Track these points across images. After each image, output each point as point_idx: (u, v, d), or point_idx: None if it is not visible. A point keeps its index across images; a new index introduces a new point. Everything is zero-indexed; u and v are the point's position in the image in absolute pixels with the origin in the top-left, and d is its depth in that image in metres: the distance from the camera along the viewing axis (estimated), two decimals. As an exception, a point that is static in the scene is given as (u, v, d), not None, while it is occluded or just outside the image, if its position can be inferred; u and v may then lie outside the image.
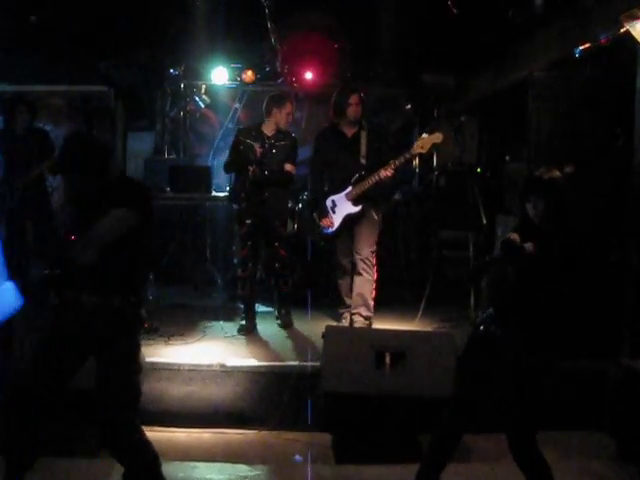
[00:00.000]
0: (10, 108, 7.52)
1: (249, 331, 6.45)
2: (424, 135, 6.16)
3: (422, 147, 6.10)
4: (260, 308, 7.04)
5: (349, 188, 6.32)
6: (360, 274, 6.35)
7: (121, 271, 3.54)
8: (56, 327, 3.61)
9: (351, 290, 6.49)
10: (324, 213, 6.43)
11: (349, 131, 6.42)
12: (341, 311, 6.68)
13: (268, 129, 6.47)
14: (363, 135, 6.38)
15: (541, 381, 3.60)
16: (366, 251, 6.34)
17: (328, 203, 6.43)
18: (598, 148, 6.18)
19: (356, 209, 6.32)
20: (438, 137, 6.11)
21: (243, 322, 6.53)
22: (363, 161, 6.33)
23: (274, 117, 6.43)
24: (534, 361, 3.57)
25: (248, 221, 6.40)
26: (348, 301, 6.56)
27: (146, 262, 3.98)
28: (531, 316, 3.60)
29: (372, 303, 6.42)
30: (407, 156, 6.17)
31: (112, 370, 3.54)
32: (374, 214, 6.40)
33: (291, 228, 8.05)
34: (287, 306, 6.76)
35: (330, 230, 6.43)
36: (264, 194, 6.33)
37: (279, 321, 6.73)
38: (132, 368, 3.64)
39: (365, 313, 6.35)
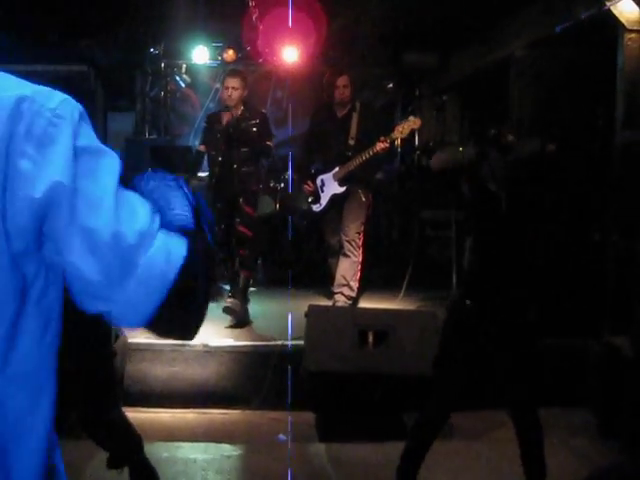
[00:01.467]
0: None
1: (231, 312, 6.35)
2: (406, 120, 6.22)
3: (401, 132, 6.19)
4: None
5: (336, 169, 6.37)
6: (345, 255, 6.39)
7: None
8: None
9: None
10: (307, 185, 6.52)
11: (340, 112, 6.49)
12: (332, 290, 6.66)
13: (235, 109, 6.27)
14: (354, 116, 6.42)
15: (529, 345, 3.62)
16: (352, 233, 6.36)
17: (318, 182, 6.51)
18: (580, 127, 6.20)
19: (341, 189, 6.39)
20: (416, 123, 6.20)
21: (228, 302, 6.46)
22: (352, 142, 6.38)
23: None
24: (516, 325, 3.60)
25: (218, 205, 6.26)
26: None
27: None
28: (502, 281, 3.63)
29: (356, 284, 6.44)
30: (386, 144, 6.13)
31: (84, 355, 3.53)
32: (362, 196, 6.41)
33: (273, 208, 8.06)
34: (244, 295, 6.25)
35: (317, 208, 6.48)
36: (232, 176, 6.17)
37: (225, 305, 6.07)
38: (104, 352, 3.63)
39: (347, 293, 6.38)
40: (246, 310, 6.21)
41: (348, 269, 6.38)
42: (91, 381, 3.52)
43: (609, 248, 5.44)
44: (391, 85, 9.58)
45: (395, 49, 8.89)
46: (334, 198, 6.44)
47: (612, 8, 5.05)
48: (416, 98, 9.32)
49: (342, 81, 6.35)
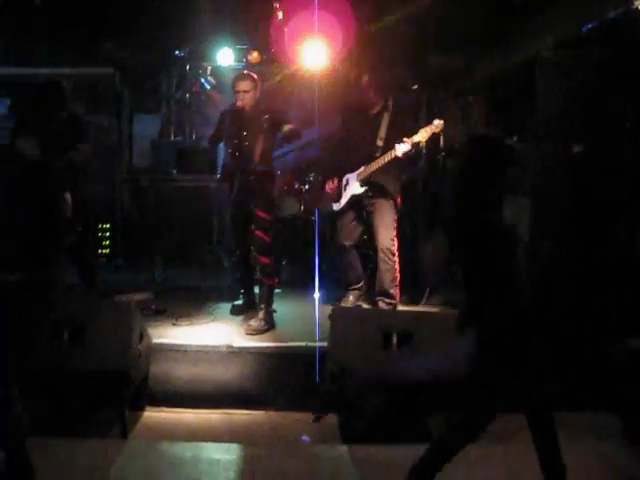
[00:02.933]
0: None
1: (239, 312, 6.47)
2: (434, 122, 6.09)
3: (423, 135, 6.05)
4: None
5: (361, 168, 6.32)
6: (381, 263, 6.34)
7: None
8: None
9: (353, 271, 6.61)
10: (331, 182, 6.51)
11: (370, 110, 6.39)
12: (346, 293, 6.68)
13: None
14: (386, 116, 6.32)
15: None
16: (386, 240, 6.30)
17: (344, 180, 6.49)
18: (607, 127, 6.13)
19: (361, 190, 6.33)
20: (438, 127, 6.07)
21: (237, 302, 6.62)
22: (380, 143, 6.28)
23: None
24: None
25: (231, 209, 6.31)
26: (348, 281, 6.64)
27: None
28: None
29: (395, 291, 6.37)
30: (408, 146, 6.02)
31: None
32: (390, 202, 6.33)
33: (297, 209, 8.06)
34: (269, 308, 6.13)
35: (337, 207, 6.48)
36: (248, 178, 6.07)
37: (247, 325, 5.97)
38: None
39: (388, 300, 6.34)
40: (271, 317, 6.14)
41: (386, 277, 6.33)
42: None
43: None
44: (416, 86, 9.52)
45: (420, 51, 8.85)
46: (353, 199, 6.39)
47: (640, 7, 5.00)
48: (441, 99, 9.26)
49: (366, 80, 6.30)
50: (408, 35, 8.31)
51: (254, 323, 5.94)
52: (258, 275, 6.22)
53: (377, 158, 6.21)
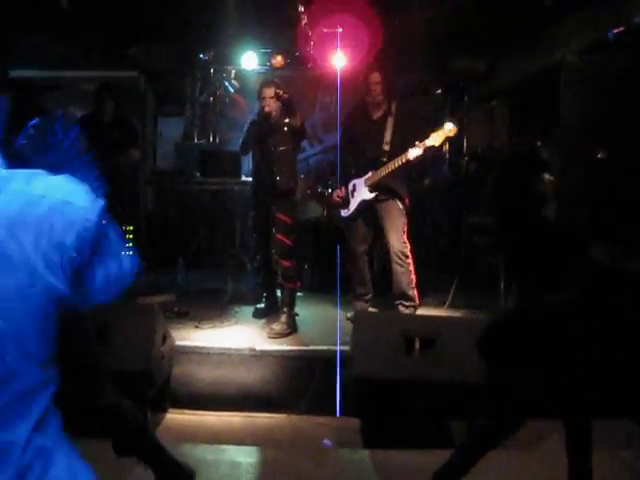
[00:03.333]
0: (97, 96, 7.63)
1: (262, 315, 6.57)
2: (444, 126, 6.05)
3: (435, 140, 5.98)
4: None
5: (369, 173, 6.28)
6: (396, 267, 6.29)
7: None
8: None
9: (364, 279, 6.55)
10: (339, 191, 6.48)
11: (374, 113, 6.35)
12: (353, 300, 6.65)
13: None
14: (389, 120, 6.28)
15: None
16: (398, 244, 6.24)
17: (350, 186, 6.43)
18: (632, 134, 6.09)
19: (371, 196, 6.27)
20: (452, 130, 6.01)
21: (259, 305, 6.71)
22: (386, 147, 6.24)
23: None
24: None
25: (252, 213, 6.56)
26: (358, 290, 6.56)
27: None
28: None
29: (413, 292, 6.33)
30: (419, 151, 5.96)
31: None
32: (399, 204, 6.28)
33: (320, 213, 8.07)
34: (291, 312, 6.17)
35: (345, 213, 6.44)
36: (267, 176, 6.19)
37: (270, 328, 6.01)
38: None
39: (408, 303, 6.31)
40: (294, 321, 6.17)
41: (402, 280, 6.29)
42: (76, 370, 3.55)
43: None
44: (439, 91, 9.53)
45: (443, 55, 8.85)
46: (363, 204, 6.32)
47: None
48: (464, 104, 9.25)
49: (375, 77, 6.23)
50: (431, 38, 8.30)
51: (277, 326, 5.96)
52: (280, 279, 6.23)
53: (386, 162, 6.15)
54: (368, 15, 7.45)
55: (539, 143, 8.34)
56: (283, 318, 6.03)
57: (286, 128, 6.11)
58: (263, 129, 6.20)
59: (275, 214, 6.11)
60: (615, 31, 5.63)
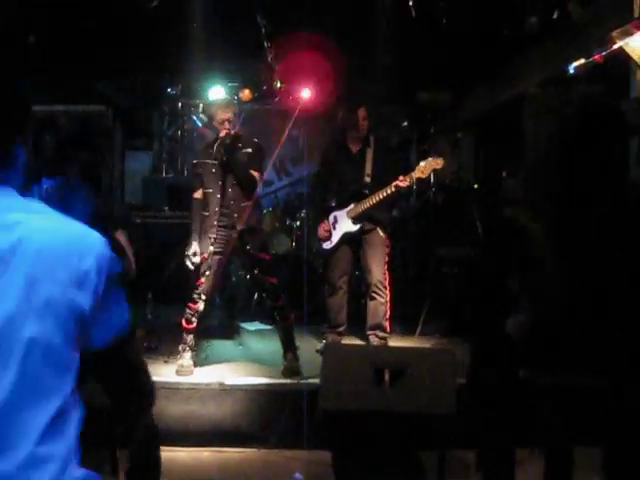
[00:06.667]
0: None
1: (189, 372, 5.76)
2: (428, 160, 6.12)
3: (422, 172, 6.05)
4: (260, 326, 7.03)
5: (351, 205, 6.32)
6: (373, 297, 6.32)
7: None
8: None
9: (342, 310, 6.49)
10: (324, 224, 6.44)
11: (354, 147, 6.42)
12: (324, 330, 6.62)
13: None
14: (369, 152, 6.35)
15: None
16: (378, 274, 6.27)
17: (330, 219, 6.43)
18: (593, 165, 6.19)
19: (355, 228, 6.30)
20: (439, 163, 6.08)
21: (182, 362, 5.77)
22: (367, 179, 6.30)
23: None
24: None
25: (212, 248, 5.75)
26: (335, 321, 6.51)
27: None
28: None
29: (387, 324, 6.36)
30: (408, 182, 6.01)
31: None
32: (381, 235, 6.34)
33: (288, 246, 8.08)
34: (293, 347, 5.99)
35: (327, 245, 6.43)
36: (232, 215, 5.79)
37: (283, 367, 5.86)
38: None
39: (381, 334, 6.33)
40: (298, 359, 5.98)
41: (378, 311, 6.32)
42: None
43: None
44: (406, 123, 9.64)
45: (409, 87, 8.96)
46: (346, 236, 6.34)
47: (624, 46, 5.08)
48: (431, 136, 9.36)
49: (362, 113, 6.30)
50: (397, 70, 8.42)
51: (292, 365, 5.86)
52: (277, 319, 6.03)
53: (371, 194, 6.19)
54: (333, 50, 7.55)
55: (504, 174, 8.48)
56: (290, 355, 5.92)
57: (246, 158, 5.87)
58: (223, 160, 5.85)
59: (254, 254, 5.86)
60: (575, 64, 5.75)
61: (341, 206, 6.39)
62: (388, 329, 6.39)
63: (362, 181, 6.31)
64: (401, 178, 6.00)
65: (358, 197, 6.28)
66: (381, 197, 6.12)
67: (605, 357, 3.25)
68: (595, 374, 4.06)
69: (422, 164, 6.09)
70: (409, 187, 6.15)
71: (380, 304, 6.31)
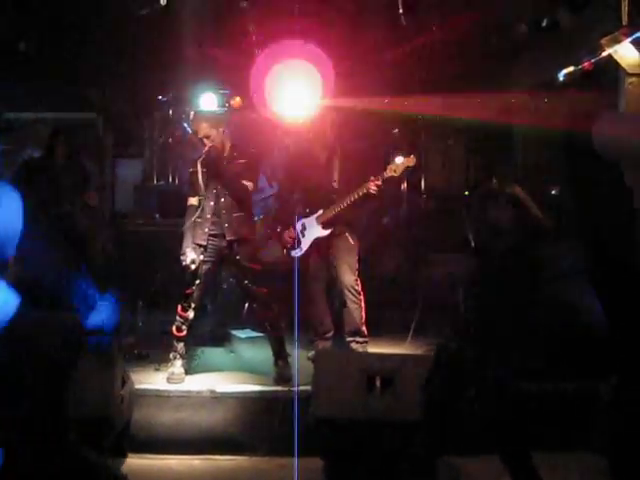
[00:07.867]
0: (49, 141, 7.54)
1: (181, 380, 5.75)
2: (397, 159, 6.15)
3: (395, 170, 6.06)
4: (251, 333, 7.02)
5: (320, 211, 6.32)
6: (348, 303, 6.31)
7: None
8: None
9: (326, 316, 6.51)
10: (289, 232, 6.45)
11: (322, 154, 6.43)
12: (312, 339, 6.61)
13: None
14: (334, 160, 6.39)
15: None
16: (349, 280, 6.27)
17: (298, 226, 6.44)
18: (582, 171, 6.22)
19: (325, 233, 6.31)
20: (411, 160, 6.08)
21: (173, 370, 5.79)
22: (335, 185, 6.35)
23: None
24: None
25: (202, 257, 5.81)
26: (321, 328, 6.51)
27: None
28: None
29: (364, 328, 6.35)
30: (378, 182, 6.04)
31: None
32: (350, 239, 6.33)
33: (280, 254, 8.05)
34: (284, 354, 5.99)
35: (297, 253, 6.42)
36: (223, 225, 5.84)
37: (274, 374, 5.89)
38: None
39: (360, 339, 6.33)
40: (289, 366, 5.97)
41: (356, 316, 6.31)
42: None
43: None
44: (396, 130, 9.63)
45: (399, 95, 8.96)
46: (316, 242, 6.35)
47: (613, 53, 5.12)
48: (421, 142, 9.36)
49: (322, 121, 6.38)
50: (387, 77, 8.43)
51: (283, 372, 5.87)
52: (268, 330, 6.06)
53: (339, 199, 6.21)
54: (322, 58, 7.55)
55: (494, 181, 8.47)
56: (281, 363, 5.93)
57: (240, 168, 5.95)
58: (212, 173, 5.95)
59: (244, 264, 5.90)
60: (564, 71, 5.79)
61: (309, 213, 6.40)
62: (366, 332, 6.37)
63: (330, 186, 6.34)
64: (372, 178, 6.02)
65: (326, 203, 6.29)
66: (352, 200, 6.12)
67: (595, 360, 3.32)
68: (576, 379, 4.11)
69: (394, 162, 6.10)
70: (380, 187, 6.07)
71: (355, 309, 6.30)
